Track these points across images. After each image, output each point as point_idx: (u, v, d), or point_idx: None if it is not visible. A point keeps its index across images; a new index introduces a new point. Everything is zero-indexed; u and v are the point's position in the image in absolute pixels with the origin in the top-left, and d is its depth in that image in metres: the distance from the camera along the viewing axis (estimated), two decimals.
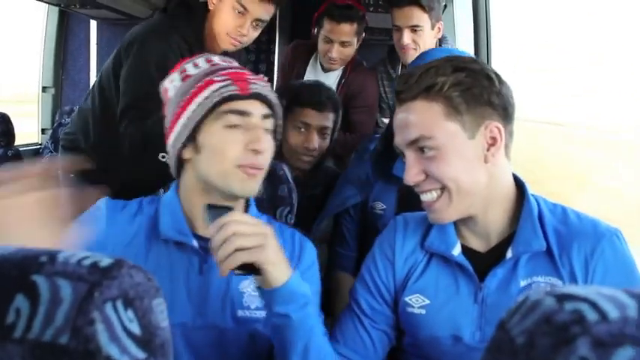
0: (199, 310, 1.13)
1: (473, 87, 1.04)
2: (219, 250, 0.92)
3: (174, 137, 1.14)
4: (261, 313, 1.14)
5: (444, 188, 1.06)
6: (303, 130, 1.90)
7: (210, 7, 1.86)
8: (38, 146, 3.45)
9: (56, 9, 3.50)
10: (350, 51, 2.54)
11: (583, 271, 1.07)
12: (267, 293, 0.99)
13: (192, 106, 1.10)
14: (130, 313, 0.46)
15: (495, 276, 1.10)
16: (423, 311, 1.15)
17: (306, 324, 1.02)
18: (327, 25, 2.47)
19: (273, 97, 1.16)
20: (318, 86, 2.00)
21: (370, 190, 1.78)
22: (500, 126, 1.06)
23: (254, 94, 1.12)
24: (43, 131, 3.62)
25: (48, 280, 0.45)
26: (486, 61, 2.52)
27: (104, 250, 1.05)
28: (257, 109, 1.12)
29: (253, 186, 1.12)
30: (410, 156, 1.07)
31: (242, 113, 1.10)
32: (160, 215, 1.16)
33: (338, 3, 2.45)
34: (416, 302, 1.15)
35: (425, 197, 1.08)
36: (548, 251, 1.08)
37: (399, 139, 1.10)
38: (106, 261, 0.48)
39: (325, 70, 2.66)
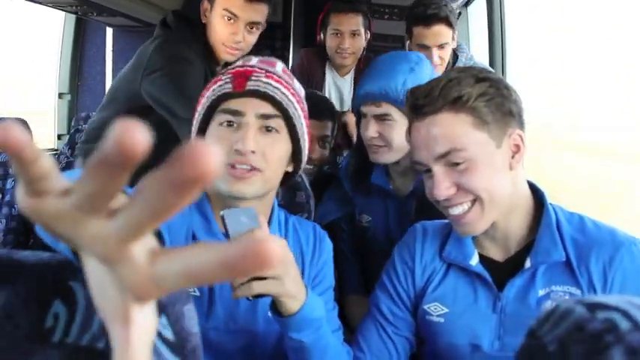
0: (231, 314, 1.12)
1: (496, 96, 1.04)
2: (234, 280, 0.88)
3: (193, 131, 1.15)
4: None
5: (474, 200, 1.05)
6: None
7: (204, 20, 1.86)
8: (55, 152, 3.49)
9: (73, 17, 3.55)
10: (360, 43, 2.57)
11: (601, 280, 1.06)
12: (280, 320, 0.97)
13: (199, 107, 1.12)
14: (164, 319, 0.47)
15: (514, 285, 1.10)
16: (442, 319, 1.15)
17: (319, 344, 1.01)
18: (334, 18, 2.53)
19: (278, 94, 1.08)
20: (315, 96, 2.00)
21: (351, 205, 1.78)
22: (522, 133, 1.07)
23: (250, 92, 1.06)
24: (59, 137, 3.66)
25: (84, 287, 0.46)
26: (501, 72, 2.53)
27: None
28: (253, 107, 1.06)
29: (242, 188, 1.05)
30: (438, 170, 1.05)
31: (234, 112, 1.07)
32: (193, 215, 1.13)
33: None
34: (435, 310, 1.16)
35: (455, 211, 1.06)
36: (567, 261, 1.08)
37: (423, 155, 1.06)
38: None
39: (340, 72, 2.69)
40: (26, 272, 0.48)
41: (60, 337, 0.44)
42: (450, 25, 2.17)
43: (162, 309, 0.47)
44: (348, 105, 2.74)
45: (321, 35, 2.66)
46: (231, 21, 1.81)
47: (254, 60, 1.13)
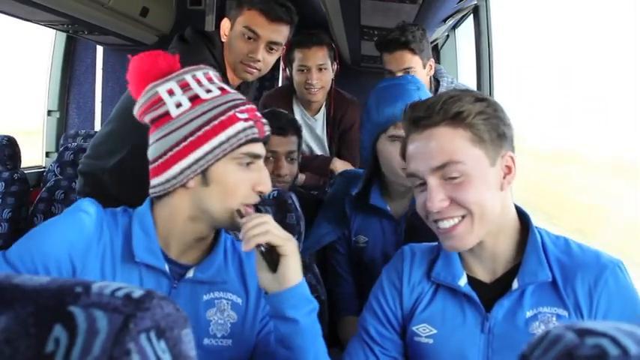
0: None
1: (493, 117, 1.07)
2: (254, 227, 1.02)
3: (183, 166, 1.07)
4: (228, 342, 1.14)
5: (465, 215, 1.06)
6: (271, 158, 1.92)
7: (223, 39, 1.84)
8: (42, 169, 3.47)
9: (64, 34, 3.56)
10: (328, 77, 2.55)
11: (587, 301, 1.08)
12: (278, 296, 1.04)
13: (214, 142, 1.06)
14: (163, 344, 0.47)
15: (502, 306, 1.11)
16: (431, 340, 1.16)
17: (314, 330, 1.06)
18: (299, 54, 2.51)
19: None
20: (276, 113, 2.01)
21: (347, 226, 1.79)
22: (514, 156, 1.09)
23: (267, 136, 1.13)
24: (48, 154, 3.64)
25: (84, 312, 0.47)
26: (489, 93, 2.57)
27: (82, 255, 1.05)
28: (264, 150, 1.13)
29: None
30: (433, 182, 1.06)
31: (257, 156, 1.10)
32: (134, 233, 1.10)
33: (304, 32, 2.48)
34: (423, 331, 1.17)
35: (445, 224, 1.07)
36: (553, 282, 1.10)
37: (419, 166, 1.08)
38: (138, 292, 0.50)
39: (310, 111, 2.66)
40: (26, 296, 0.48)
41: None
42: (412, 50, 2.20)
43: (162, 334, 0.48)
44: (324, 142, 2.73)
45: (287, 72, 2.64)
46: (252, 40, 1.80)
47: (245, 105, 1.13)
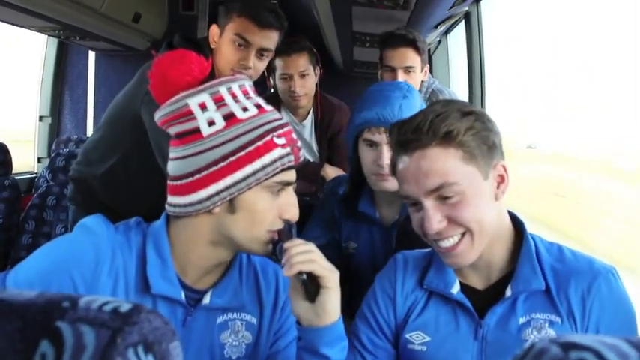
0: None
1: (482, 130, 1.06)
2: (299, 255, 0.98)
3: (210, 192, 0.98)
4: None
5: (465, 232, 1.06)
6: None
7: (212, 46, 1.83)
8: (34, 175, 3.46)
9: (56, 40, 3.55)
10: (311, 82, 2.55)
11: (580, 307, 1.08)
12: (315, 331, 1.01)
13: (248, 170, 0.98)
14: (151, 358, 0.47)
15: (495, 313, 1.12)
16: (424, 348, 1.16)
17: None
18: (280, 62, 2.50)
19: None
20: None
21: (337, 230, 1.79)
22: (505, 164, 1.10)
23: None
24: (40, 160, 3.63)
25: (71, 326, 0.46)
26: (480, 101, 2.59)
27: (88, 288, 0.97)
28: (295, 176, 1.06)
29: (270, 247, 1.06)
30: (429, 205, 1.05)
31: (289, 184, 1.04)
32: (148, 259, 1.03)
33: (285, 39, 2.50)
34: (417, 339, 1.17)
35: (445, 243, 1.07)
36: (547, 289, 1.10)
37: (413, 189, 1.06)
38: (125, 306, 0.50)
39: (297, 116, 2.67)
40: (13, 311, 0.48)
41: None
42: (417, 49, 2.23)
43: (149, 348, 0.48)
44: (312, 148, 2.74)
45: (270, 80, 2.63)
46: (242, 47, 1.78)
47: (284, 127, 1.05)
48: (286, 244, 1.01)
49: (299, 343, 1.05)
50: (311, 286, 1.00)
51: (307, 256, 0.99)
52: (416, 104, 1.55)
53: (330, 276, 1.00)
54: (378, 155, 1.55)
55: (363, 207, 1.70)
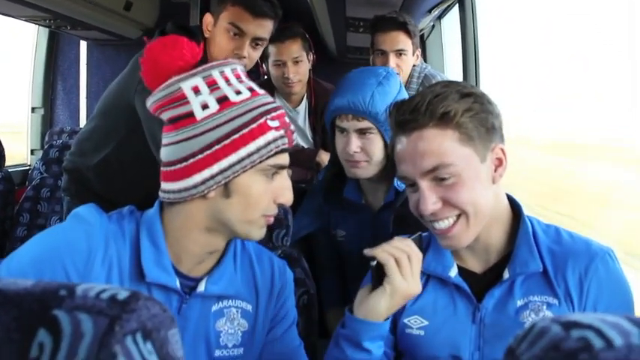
0: None
1: (480, 112, 1.05)
2: (392, 248, 1.06)
3: (205, 176, 0.97)
4: (239, 351, 1.11)
5: (460, 214, 1.06)
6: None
7: (206, 35, 1.81)
8: (27, 167, 3.43)
9: (47, 30, 3.51)
10: (304, 69, 2.55)
11: (578, 289, 1.09)
12: (363, 324, 1.07)
13: (242, 152, 0.97)
14: (149, 345, 0.47)
15: (493, 296, 1.12)
16: (422, 332, 1.16)
17: None
18: (273, 48, 2.50)
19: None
20: None
21: (326, 218, 1.80)
22: (504, 147, 1.09)
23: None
24: (33, 152, 3.60)
25: (69, 315, 0.46)
26: (475, 81, 2.58)
27: (81, 277, 0.95)
28: (288, 159, 1.06)
29: (265, 232, 1.07)
30: (425, 185, 1.05)
31: (283, 167, 1.04)
32: (142, 247, 1.02)
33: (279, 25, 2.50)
34: (415, 323, 1.17)
35: (440, 225, 1.07)
36: (544, 271, 1.10)
37: (410, 170, 1.07)
38: (123, 293, 0.49)
39: (291, 103, 2.67)
40: (9, 301, 0.48)
41: None
42: (407, 32, 2.23)
43: (148, 335, 0.47)
44: (306, 133, 2.74)
45: (264, 67, 2.63)
46: (237, 36, 1.77)
47: (277, 110, 1.04)
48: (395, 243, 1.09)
49: (341, 331, 1.10)
50: (376, 275, 1.07)
51: (392, 250, 1.05)
52: (392, 91, 1.55)
53: (394, 281, 1.05)
54: (347, 142, 1.56)
55: (348, 193, 1.71)
